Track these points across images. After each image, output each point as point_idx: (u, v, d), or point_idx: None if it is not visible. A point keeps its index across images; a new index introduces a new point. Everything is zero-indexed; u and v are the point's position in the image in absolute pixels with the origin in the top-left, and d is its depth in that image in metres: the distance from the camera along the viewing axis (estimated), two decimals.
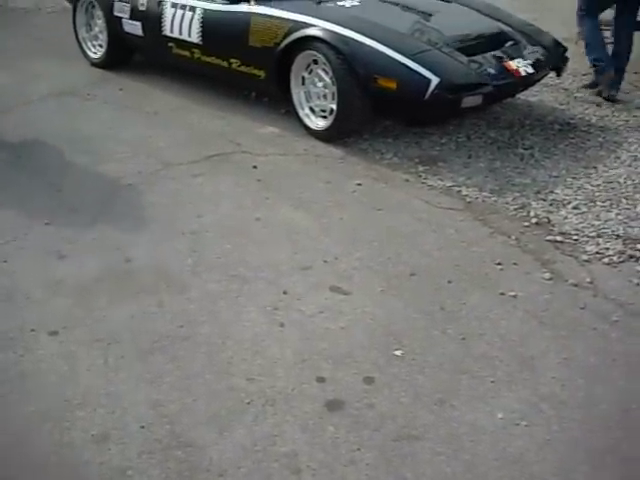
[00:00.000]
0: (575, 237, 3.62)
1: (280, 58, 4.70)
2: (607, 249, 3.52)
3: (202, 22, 5.12)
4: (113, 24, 5.86)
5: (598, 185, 4.14)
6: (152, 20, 5.51)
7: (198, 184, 4.15)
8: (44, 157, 4.54)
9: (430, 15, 4.94)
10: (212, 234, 3.64)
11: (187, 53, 5.31)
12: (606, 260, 3.44)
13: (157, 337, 2.90)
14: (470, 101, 4.31)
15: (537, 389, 2.65)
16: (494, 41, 4.77)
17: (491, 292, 3.20)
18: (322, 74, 4.58)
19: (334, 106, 4.53)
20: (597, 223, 3.74)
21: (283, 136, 4.79)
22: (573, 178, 4.20)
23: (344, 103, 4.47)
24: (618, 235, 3.63)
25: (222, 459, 2.34)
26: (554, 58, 4.92)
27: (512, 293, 3.18)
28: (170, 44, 5.42)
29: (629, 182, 4.18)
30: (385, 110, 4.65)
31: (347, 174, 4.28)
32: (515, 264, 3.40)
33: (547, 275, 3.31)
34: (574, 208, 3.88)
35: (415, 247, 3.54)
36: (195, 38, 5.19)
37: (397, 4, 5.13)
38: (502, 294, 3.18)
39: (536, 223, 3.75)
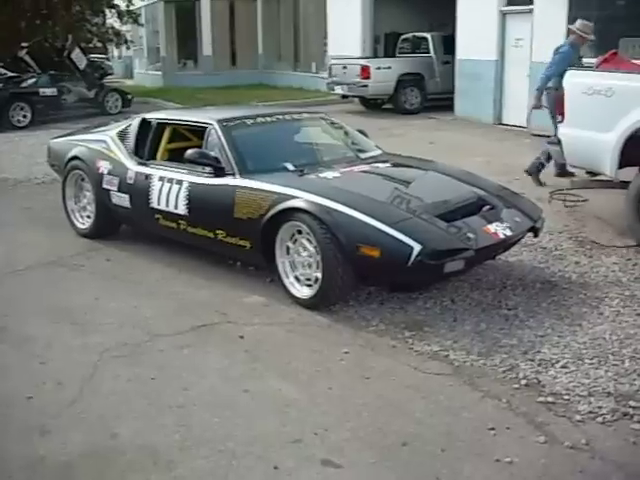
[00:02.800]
0: (566, 397, 3.58)
1: (265, 229, 4.83)
2: (600, 407, 3.48)
3: (188, 195, 5.32)
4: (102, 196, 6.11)
5: (584, 342, 4.15)
6: (140, 193, 5.73)
7: (185, 356, 4.12)
8: (29, 328, 4.53)
9: (409, 183, 5.14)
10: (199, 407, 3.58)
11: (174, 224, 5.49)
12: (600, 419, 3.39)
13: None
14: (452, 266, 4.42)
15: None
16: (472, 206, 4.94)
17: (486, 459, 3.13)
18: (306, 244, 4.70)
19: (319, 274, 4.61)
20: (587, 381, 3.72)
21: (269, 305, 4.83)
22: (559, 336, 4.22)
23: (329, 272, 4.54)
24: (609, 393, 3.61)
25: None
26: (530, 219, 5.07)
27: (508, 459, 3.11)
28: (157, 216, 5.61)
29: (614, 338, 4.20)
30: (369, 277, 4.74)
31: (334, 342, 4.27)
32: (508, 428, 3.34)
33: (542, 438, 3.25)
34: (563, 367, 3.87)
35: (405, 415, 3.49)
36: (182, 210, 5.37)
37: (377, 174, 5.38)
38: (497, 461, 3.10)
39: (526, 385, 3.72)
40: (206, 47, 24.50)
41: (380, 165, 5.60)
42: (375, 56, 18.07)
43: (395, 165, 5.68)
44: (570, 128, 6.26)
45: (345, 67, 15.68)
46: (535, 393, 3.64)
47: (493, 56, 13.48)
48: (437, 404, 3.58)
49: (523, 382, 3.74)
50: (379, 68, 15.29)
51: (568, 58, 7.80)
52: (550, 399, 3.57)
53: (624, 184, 5.96)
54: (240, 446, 3.25)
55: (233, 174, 5.16)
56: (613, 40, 10.19)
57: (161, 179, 5.58)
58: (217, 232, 5.17)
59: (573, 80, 6.34)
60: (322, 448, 3.23)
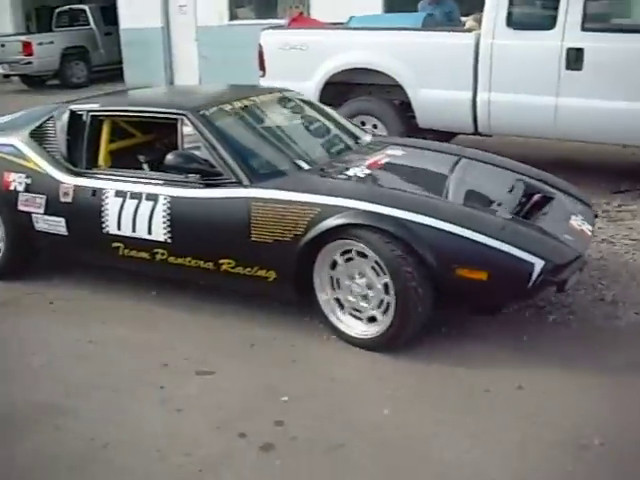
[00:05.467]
0: None
1: (303, 253, 3.62)
2: None
3: (169, 214, 3.95)
4: (17, 222, 4.53)
5: None
6: (84, 215, 4.26)
7: None
8: None
9: (452, 176, 4.15)
10: None
11: (145, 254, 4.09)
12: None
13: None
14: (573, 280, 3.49)
15: None
16: (532, 197, 4.10)
17: None
18: (365, 269, 3.55)
19: (390, 302, 3.46)
20: None
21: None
22: None
23: (404, 303, 3.40)
24: None
25: None
26: (587, 206, 4.30)
27: None
28: (117, 245, 4.16)
29: None
30: (461, 303, 3.66)
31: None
32: None
33: None
34: None
35: None
36: (159, 235, 4.00)
37: (408, 167, 4.35)
38: None
39: None
40: None
41: (396, 153, 4.46)
42: (28, 32, 17.68)
43: (411, 152, 4.58)
44: (272, 81, 6.79)
45: (3, 45, 15.23)
46: None
47: (158, 23, 14.06)
48: None
49: None
50: (41, 44, 15.12)
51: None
52: None
53: None
54: None
55: (238, 182, 3.83)
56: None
57: (120, 194, 4.13)
58: (221, 262, 3.84)
59: (269, 39, 7.26)
60: None
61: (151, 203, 4.04)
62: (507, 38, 6.16)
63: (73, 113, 4.52)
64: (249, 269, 3.79)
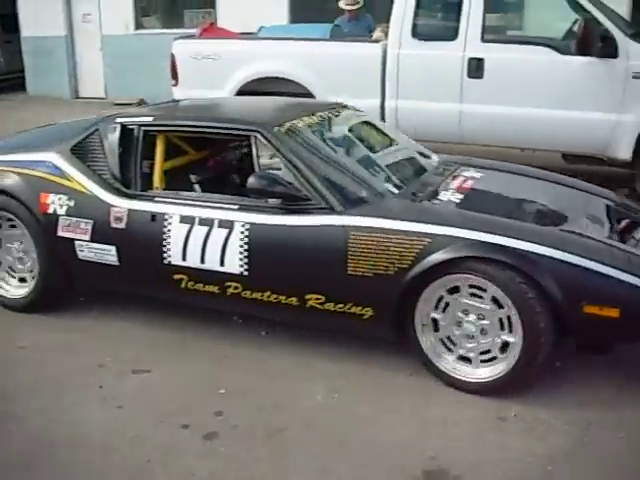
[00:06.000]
0: None
1: (409, 289, 3.28)
2: None
3: (248, 244, 3.53)
4: (56, 250, 4.03)
5: None
6: (140, 243, 3.79)
7: None
8: None
9: (540, 200, 3.96)
10: None
11: (214, 288, 3.65)
12: None
13: None
14: None
15: None
16: (632, 227, 3.81)
17: None
18: (478, 305, 3.25)
19: (513, 340, 3.16)
20: None
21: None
22: None
23: (532, 342, 3.12)
24: None
25: None
26: None
27: None
28: (179, 277, 3.72)
29: None
30: (585, 341, 3.39)
31: None
32: None
33: None
34: None
35: None
36: (233, 267, 3.57)
37: (501, 192, 4.06)
38: None
39: None
40: None
41: (474, 175, 4.15)
42: None
43: (487, 173, 4.25)
44: (185, 90, 7.22)
45: None
46: None
47: (62, 31, 14.01)
48: None
49: None
50: None
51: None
52: None
53: None
54: None
55: (330, 208, 3.44)
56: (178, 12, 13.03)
57: (186, 220, 3.67)
58: (307, 297, 3.45)
59: (181, 48, 7.43)
60: None
61: (225, 231, 3.60)
62: (413, 48, 6.52)
63: (124, 127, 4.04)
64: (341, 305, 3.43)
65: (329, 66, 6.82)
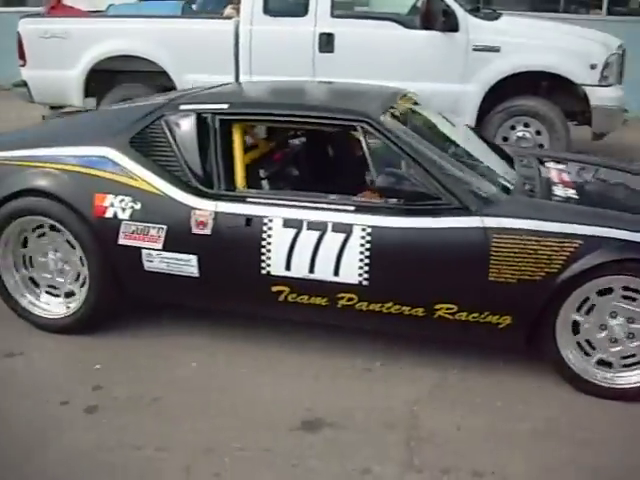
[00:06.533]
0: None
1: (555, 295, 3.04)
2: None
3: (369, 250, 3.14)
4: (115, 261, 3.48)
5: None
6: (231, 251, 3.31)
7: None
8: None
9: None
10: None
11: (321, 300, 3.25)
12: None
13: None
14: None
15: None
16: None
17: None
18: (631, 307, 3.06)
19: None
20: None
21: None
22: None
23: None
24: None
25: None
26: None
27: None
28: (278, 288, 3.29)
29: None
30: None
31: None
32: None
33: None
34: None
35: None
36: (350, 277, 3.18)
37: (595, 182, 3.91)
38: None
39: None
40: None
41: (560, 167, 3.87)
42: None
43: (570, 165, 4.01)
44: (34, 70, 7.10)
45: None
46: None
47: None
48: None
49: None
50: None
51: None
52: None
53: None
54: None
55: (463, 208, 3.10)
56: None
57: (291, 224, 3.23)
58: (437, 307, 3.15)
59: (28, 27, 7.12)
60: None
61: (342, 236, 3.17)
62: (265, 24, 6.64)
63: (199, 116, 3.49)
64: (475, 315, 3.14)
65: (181, 43, 6.82)
